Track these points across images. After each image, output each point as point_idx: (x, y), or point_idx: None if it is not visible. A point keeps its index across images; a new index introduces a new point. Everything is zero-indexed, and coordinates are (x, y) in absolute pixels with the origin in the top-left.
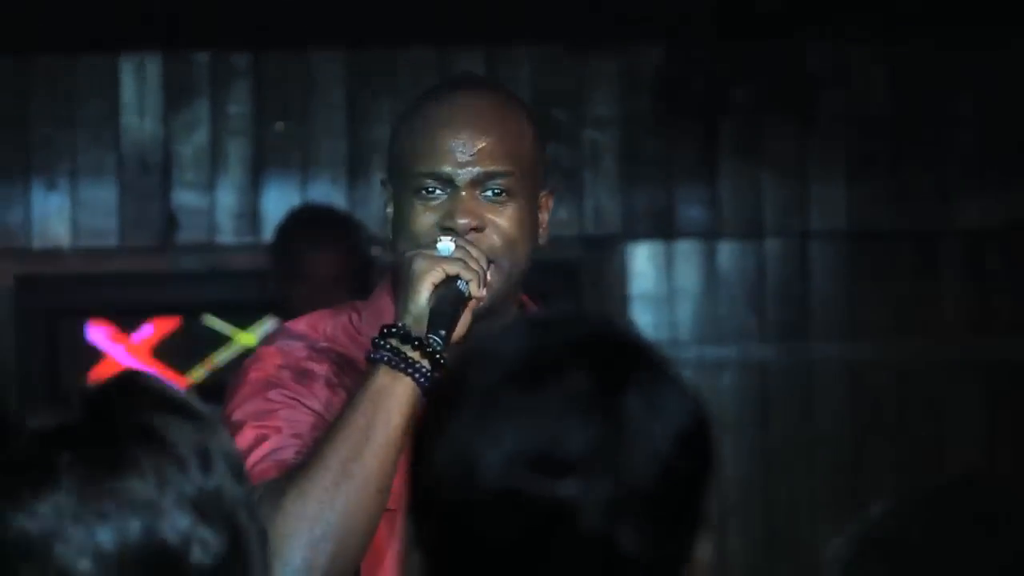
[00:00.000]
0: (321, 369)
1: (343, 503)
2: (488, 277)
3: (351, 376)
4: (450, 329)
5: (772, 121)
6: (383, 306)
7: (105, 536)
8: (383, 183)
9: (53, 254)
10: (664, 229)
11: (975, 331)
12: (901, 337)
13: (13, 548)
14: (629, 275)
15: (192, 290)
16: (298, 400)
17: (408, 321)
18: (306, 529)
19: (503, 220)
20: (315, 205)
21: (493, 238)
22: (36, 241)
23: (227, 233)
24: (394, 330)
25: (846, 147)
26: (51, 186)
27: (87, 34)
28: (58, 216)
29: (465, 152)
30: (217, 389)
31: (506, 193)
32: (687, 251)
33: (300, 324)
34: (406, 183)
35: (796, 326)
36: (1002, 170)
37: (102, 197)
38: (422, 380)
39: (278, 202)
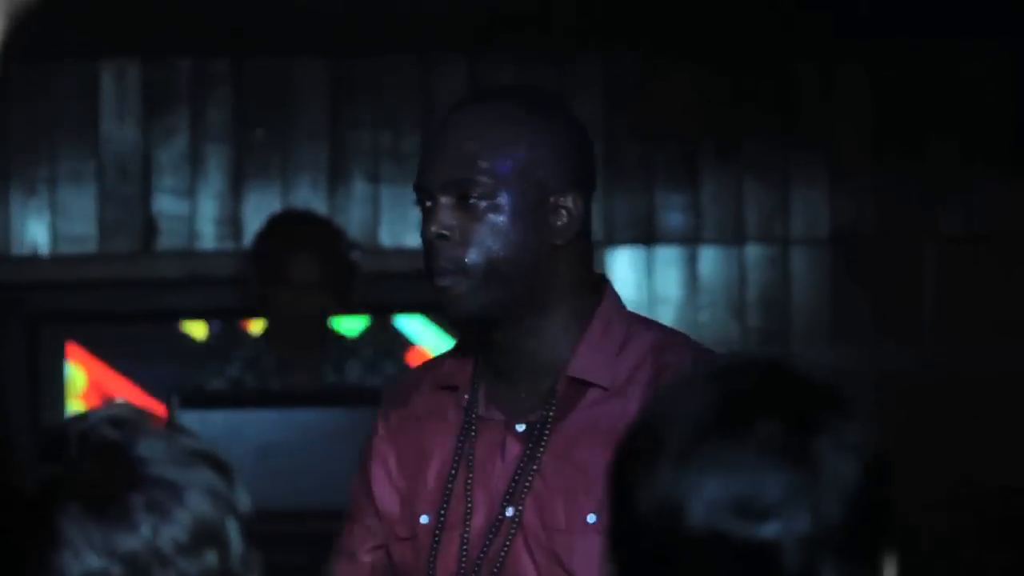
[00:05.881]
0: None
1: None
2: None
3: None
4: None
5: (753, 127)
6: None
7: None
8: None
9: (32, 260)
10: (645, 235)
11: (955, 336)
12: (881, 342)
13: None
14: (610, 281)
15: (172, 296)
16: None
17: None
18: None
19: (475, 232)
20: (295, 210)
21: (458, 248)
22: (15, 247)
23: (208, 239)
24: None
25: (828, 153)
26: (30, 192)
27: (67, 40)
28: (37, 222)
29: (440, 160)
30: None
31: (486, 201)
32: (668, 257)
33: None
34: None
35: (777, 332)
36: (982, 176)
37: (82, 203)
38: None
39: (258, 208)
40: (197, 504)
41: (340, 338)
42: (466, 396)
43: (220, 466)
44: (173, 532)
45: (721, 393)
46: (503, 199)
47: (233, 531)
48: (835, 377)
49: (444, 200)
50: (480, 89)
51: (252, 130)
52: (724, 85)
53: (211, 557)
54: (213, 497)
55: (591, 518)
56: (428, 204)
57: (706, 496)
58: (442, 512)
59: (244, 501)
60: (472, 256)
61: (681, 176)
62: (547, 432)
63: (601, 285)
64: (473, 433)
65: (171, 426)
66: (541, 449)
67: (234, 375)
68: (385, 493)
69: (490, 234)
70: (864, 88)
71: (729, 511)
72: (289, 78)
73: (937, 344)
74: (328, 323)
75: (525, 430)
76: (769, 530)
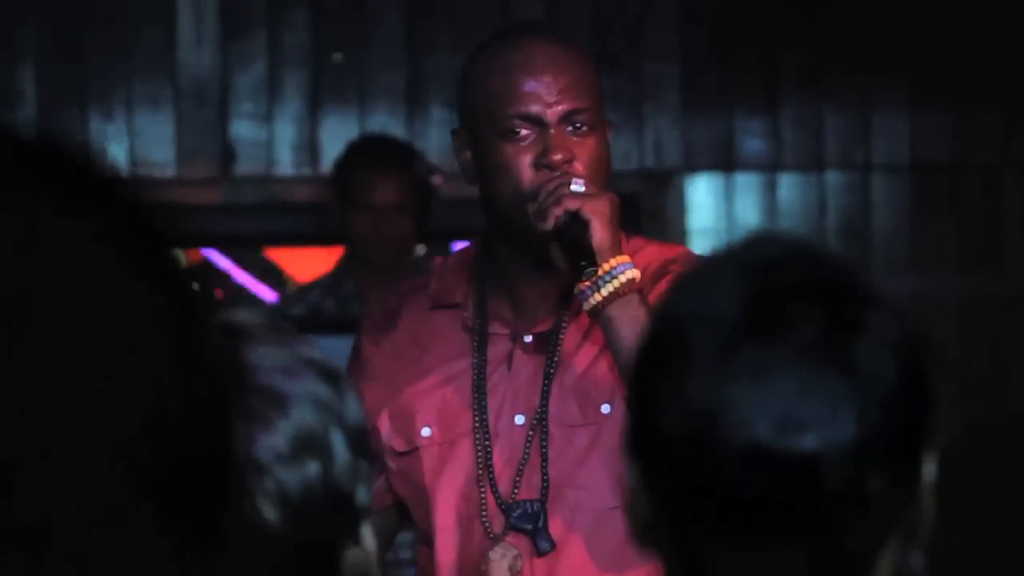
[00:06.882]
0: None
1: None
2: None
3: None
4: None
5: (834, 54)
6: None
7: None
8: (455, 133)
9: None
10: (724, 161)
11: None
12: (962, 271)
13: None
14: (689, 208)
15: (249, 222)
16: None
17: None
18: None
19: (588, 153)
20: (374, 135)
21: (581, 170)
22: None
23: (285, 165)
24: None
25: (910, 80)
26: (108, 117)
27: None
28: (115, 146)
29: (551, 92)
30: None
31: (587, 127)
32: (747, 184)
33: None
34: (490, 127)
35: (857, 260)
36: None
37: (159, 128)
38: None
39: (336, 134)
40: (300, 414)
41: (420, 262)
42: (466, 313)
43: (331, 375)
44: (272, 441)
45: (749, 290)
46: (599, 128)
47: (338, 442)
48: (860, 271)
49: (556, 130)
50: (521, 25)
51: (329, 54)
52: (804, 8)
53: (313, 467)
54: (318, 407)
55: (605, 408)
56: (523, 132)
57: (741, 409)
58: (452, 424)
59: (354, 411)
60: (588, 179)
61: (760, 102)
62: (560, 337)
63: None
64: (476, 346)
65: (290, 334)
66: (554, 356)
67: (314, 301)
68: (376, 411)
69: (598, 160)
70: (945, 13)
71: (767, 424)
72: (366, 2)
73: (1018, 272)
74: (408, 247)
75: (533, 340)
76: (810, 442)
